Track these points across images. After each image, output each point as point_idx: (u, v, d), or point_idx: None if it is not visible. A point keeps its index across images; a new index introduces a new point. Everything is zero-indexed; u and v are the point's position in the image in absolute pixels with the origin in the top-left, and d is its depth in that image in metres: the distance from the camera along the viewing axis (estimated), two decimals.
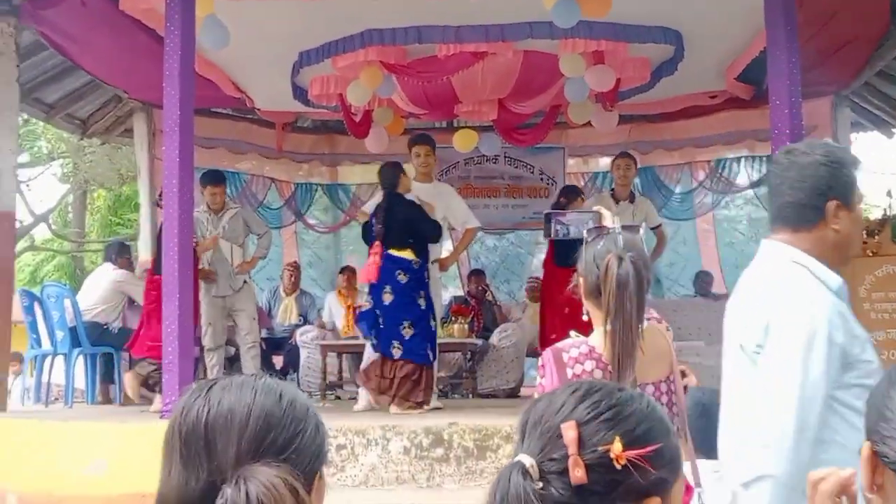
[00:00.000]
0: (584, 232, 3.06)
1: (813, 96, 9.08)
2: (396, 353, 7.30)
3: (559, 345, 2.92)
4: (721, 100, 10.29)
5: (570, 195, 8.68)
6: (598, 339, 2.89)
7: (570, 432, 1.38)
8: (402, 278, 7.34)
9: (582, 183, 12.15)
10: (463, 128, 10.54)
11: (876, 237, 7.08)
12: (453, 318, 9.72)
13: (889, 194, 7.98)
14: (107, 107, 10.52)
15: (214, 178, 8.77)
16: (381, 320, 7.41)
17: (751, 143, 10.99)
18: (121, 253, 9.43)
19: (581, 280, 3.00)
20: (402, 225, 7.43)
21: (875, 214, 7.66)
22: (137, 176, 10.80)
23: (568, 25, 6.94)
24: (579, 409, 1.43)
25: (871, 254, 7.05)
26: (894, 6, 7.45)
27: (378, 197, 7.87)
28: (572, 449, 1.38)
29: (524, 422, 1.47)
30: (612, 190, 9.13)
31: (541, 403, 1.47)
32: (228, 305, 8.66)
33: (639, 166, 10.05)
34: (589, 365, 2.84)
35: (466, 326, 9.68)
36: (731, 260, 11.62)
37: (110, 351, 8.75)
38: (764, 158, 10.71)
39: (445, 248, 9.02)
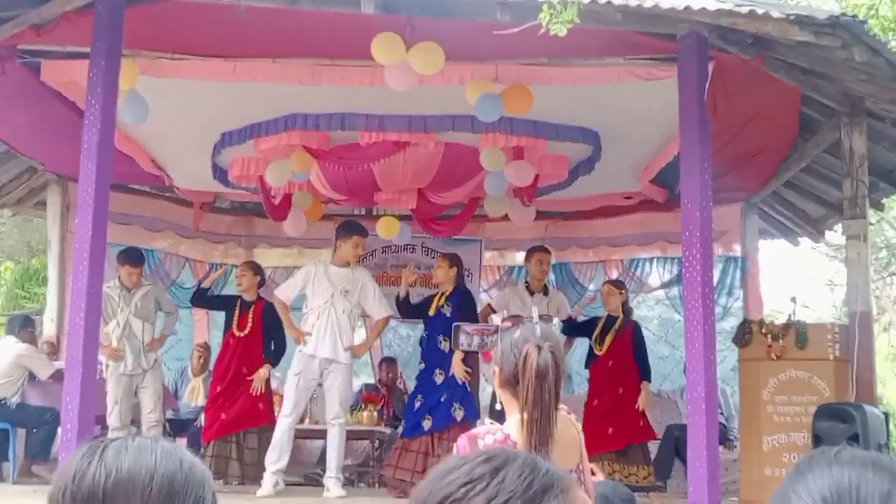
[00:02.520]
0: (500, 323, 3.06)
1: (724, 202, 9.32)
2: None
3: (475, 431, 2.90)
4: (635, 201, 10.52)
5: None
6: (513, 426, 2.86)
7: None
8: None
9: (498, 276, 12.23)
10: (382, 216, 10.60)
11: (780, 341, 7.22)
12: (363, 406, 9.65)
13: (793, 300, 8.18)
14: (20, 178, 10.32)
15: (135, 257, 8.71)
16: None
17: (663, 244, 11.17)
18: (24, 326, 9.15)
19: (496, 369, 2.99)
20: None
21: (780, 319, 7.79)
22: (48, 249, 10.56)
23: (490, 120, 7.07)
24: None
25: (774, 357, 7.18)
26: (803, 121, 7.73)
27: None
28: None
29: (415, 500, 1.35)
30: (527, 282, 9.21)
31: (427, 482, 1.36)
32: (136, 383, 8.47)
33: (553, 262, 10.18)
34: None
35: (376, 414, 9.61)
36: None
37: (6, 427, 8.47)
38: (675, 260, 10.89)
39: (359, 335, 8.96)
